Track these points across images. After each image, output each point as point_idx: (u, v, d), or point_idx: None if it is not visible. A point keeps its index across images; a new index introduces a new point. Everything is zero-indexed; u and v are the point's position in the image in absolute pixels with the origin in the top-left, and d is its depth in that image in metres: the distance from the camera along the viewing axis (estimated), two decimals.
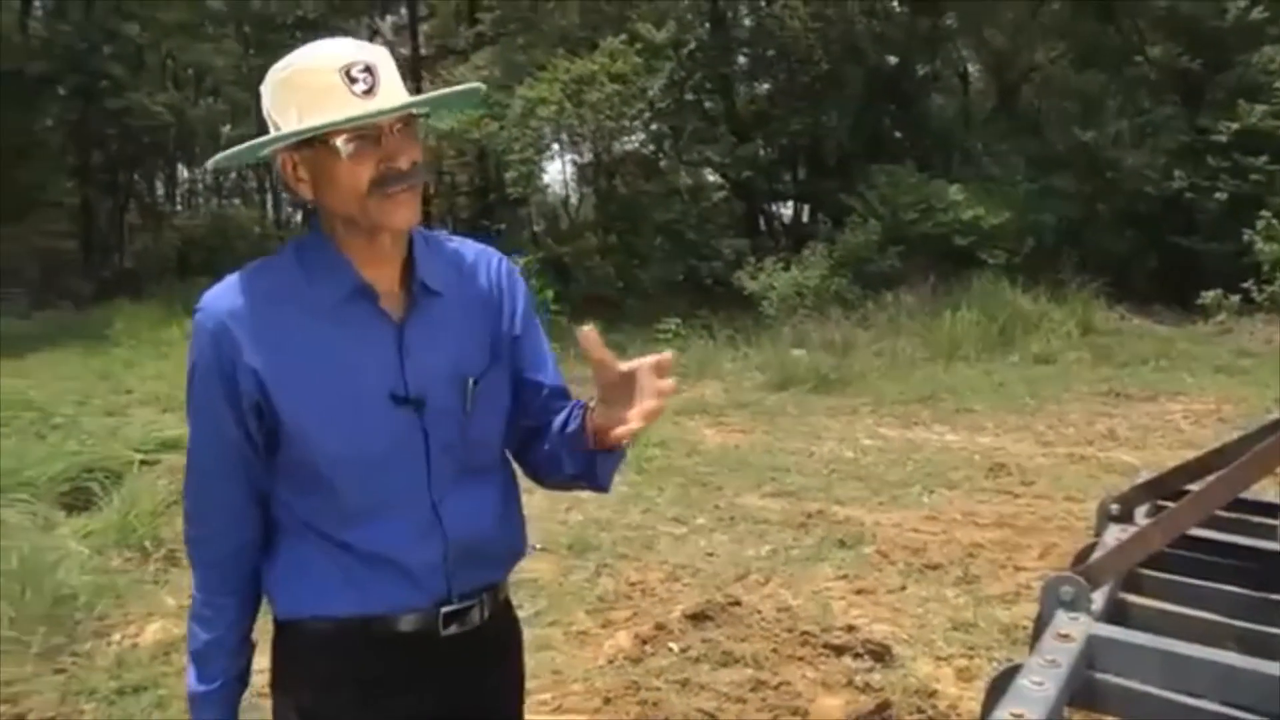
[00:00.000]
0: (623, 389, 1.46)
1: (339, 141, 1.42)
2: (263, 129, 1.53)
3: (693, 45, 16.15)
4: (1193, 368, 10.17)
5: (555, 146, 17.12)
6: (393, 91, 1.44)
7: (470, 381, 1.58)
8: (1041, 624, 1.73)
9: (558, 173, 21.45)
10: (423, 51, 21.72)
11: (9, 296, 19.88)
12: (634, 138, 16.47)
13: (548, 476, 1.69)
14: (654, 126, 16.12)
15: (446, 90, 1.58)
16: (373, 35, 20.79)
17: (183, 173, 32.28)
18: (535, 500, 5.80)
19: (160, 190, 31.47)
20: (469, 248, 1.70)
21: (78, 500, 5.71)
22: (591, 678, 3.75)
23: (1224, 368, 10.06)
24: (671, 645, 3.92)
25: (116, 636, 4.17)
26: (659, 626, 4.05)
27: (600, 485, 1.62)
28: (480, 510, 1.61)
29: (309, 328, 1.51)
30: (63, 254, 23.48)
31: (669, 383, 1.45)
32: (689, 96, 16.77)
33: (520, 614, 4.26)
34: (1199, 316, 12.77)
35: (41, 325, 17.09)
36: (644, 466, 6.74)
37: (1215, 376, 9.72)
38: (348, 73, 1.42)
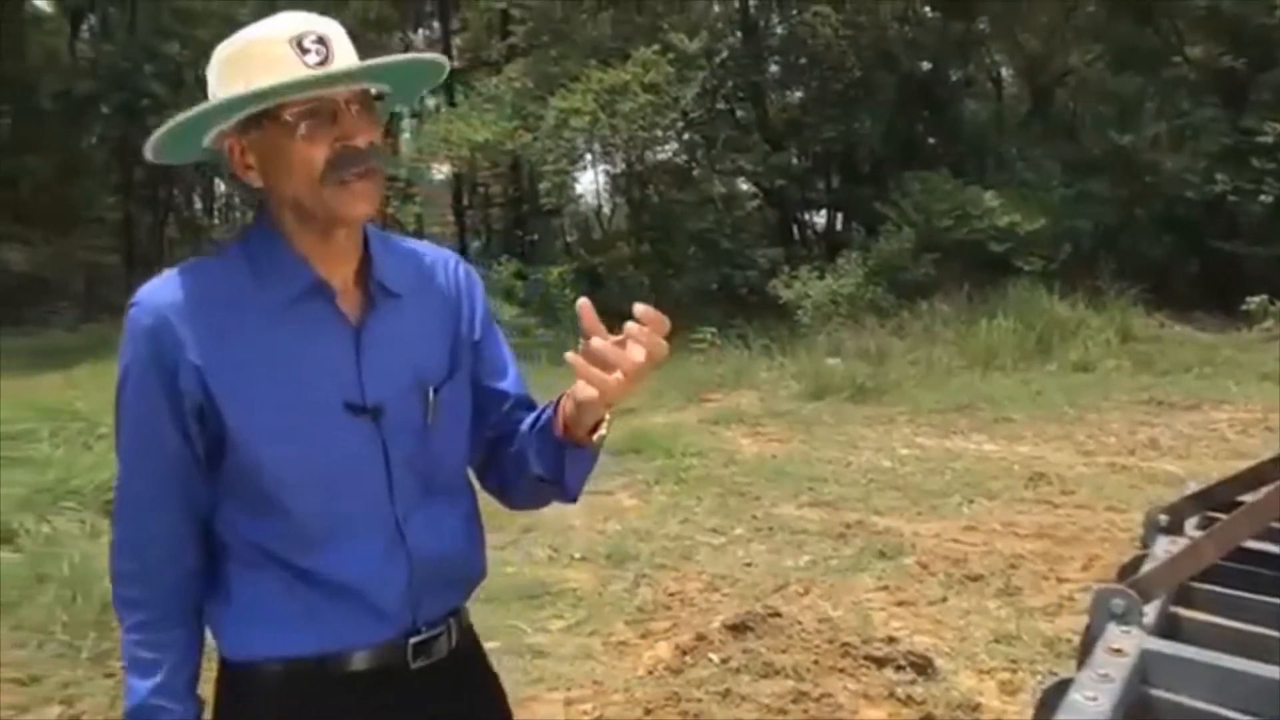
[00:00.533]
0: (609, 365, 1.28)
1: (290, 115, 1.29)
2: None
3: (725, 54, 16.14)
4: (1237, 375, 10.02)
5: (588, 157, 17.17)
6: (346, 60, 1.33)
7: (431, 390, 1.44)
8: (1091, 637, 1.71)
9: (590, 183, 21.52)
10: (456, 64, 21.88)
11: (56, 310, 20.25)
12: (667, 147, 16.48)
13: (513, 485, 1.54)
14: (686, 136, 16.12)
15: (402, 56, 1.43)
16: (406, 49, 20.93)
17: (219, 187, 32.68)
18: (574, 510, 5.84)
19: (198, 204, 31.92)
20: (426, 249, 1.56)
21: None
22: (632, 688, 3.75)
23: (1270, 375, 9.83)
24: (712, 656, 3.91)
25: None
26: (699, 637, 4.04)
27: (568, 491, 1.45)
28: (446, 529, 1.48)
29: (258, 326, 1.36)
30: (106, 268, 23.81)
31: (657, 338, 1.27)
32: (721, 105, 16.77)
33: (560, 624, 4.31)
34: (1243, 323, 12.57)
35: (86, 338, 17.30)
36: (681, 476, 6.74)
37: (1261, 384, 9.54)
38: (299, 43, 1.30)
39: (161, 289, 1.37)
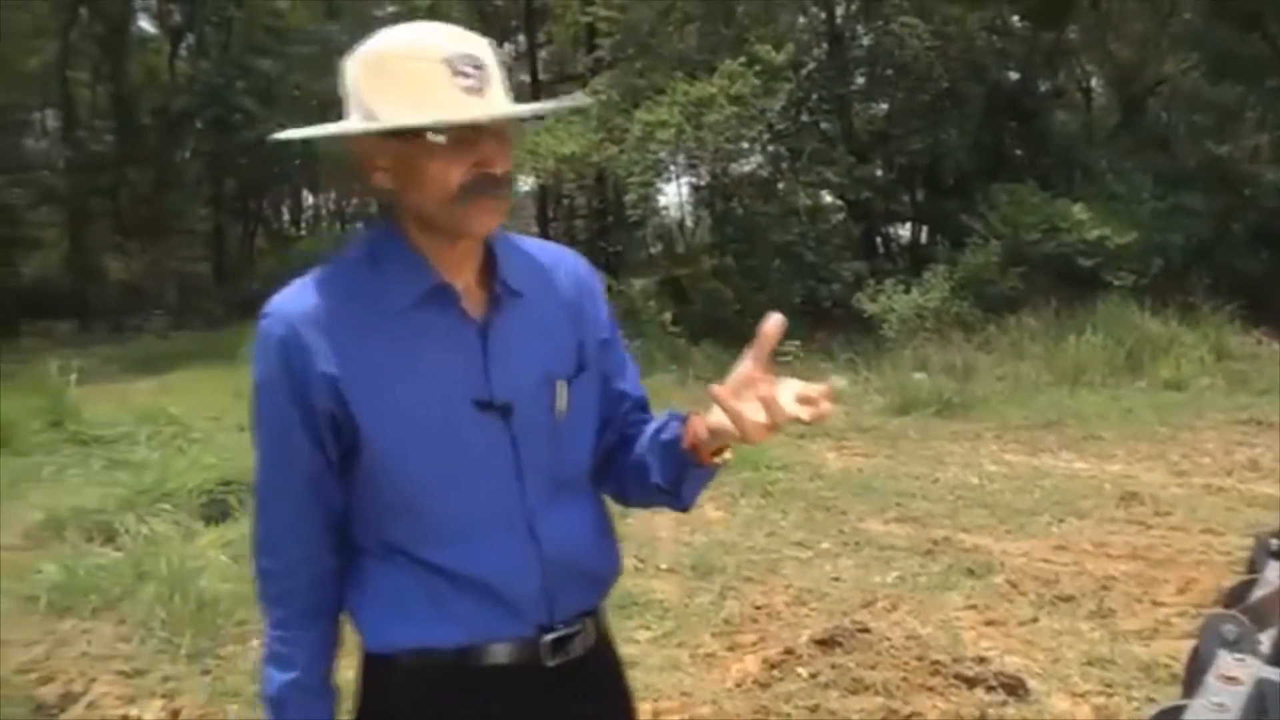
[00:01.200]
0: (753, 398, 1.31)
1: (438, 138, 1.31)
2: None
3: (811, 66, 16.06)
4: None
5: (672, 169, 17.19)
6: (500, 91, 1.34)
7: (559, 386, 1.46)
8: (1201, 664, 1.68)
9: (674, 195, 21.58)
10: (541, 77, 22.11)
11: (150, 317, 20.94)
12: (751, 159, 16.43)
13: (630, 489, 1.57)
14: (771, 148, 16.06)
15: (558, 103, 1.50)
16: None
17: (307, 198, 33.47)
18: (659, 521, 5.87)
19: (286, 216, 32.71)
20: (546, 248, 1.58)
21: (215, 511, 5.95)
22: (720, 700, 3.76)
23: None
24: (800, 670, 3.90)
25: (254, 643, 4.34)
26: (787, 651, 4.03)
27: (684, 503, 1.50)
28: (577, 526, 1.50)
29: (385, 330, 1.39)
30: (197, 277, 24.57)
31: (826, 406, 1.29)
32: (806, 117, 16.68)
33: (647, 634, 4.33)
34: None
35: (178, 344, 17.90)
36: (768, 490, 6.72)
37: None
38: (454, 66, 1.30)
39: (292, 299, 1.40)
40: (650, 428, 1.52)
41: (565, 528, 1.47)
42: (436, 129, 1.30)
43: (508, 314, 1.45)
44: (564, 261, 1.57)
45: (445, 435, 1.40)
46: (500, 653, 1.44)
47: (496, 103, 1.33)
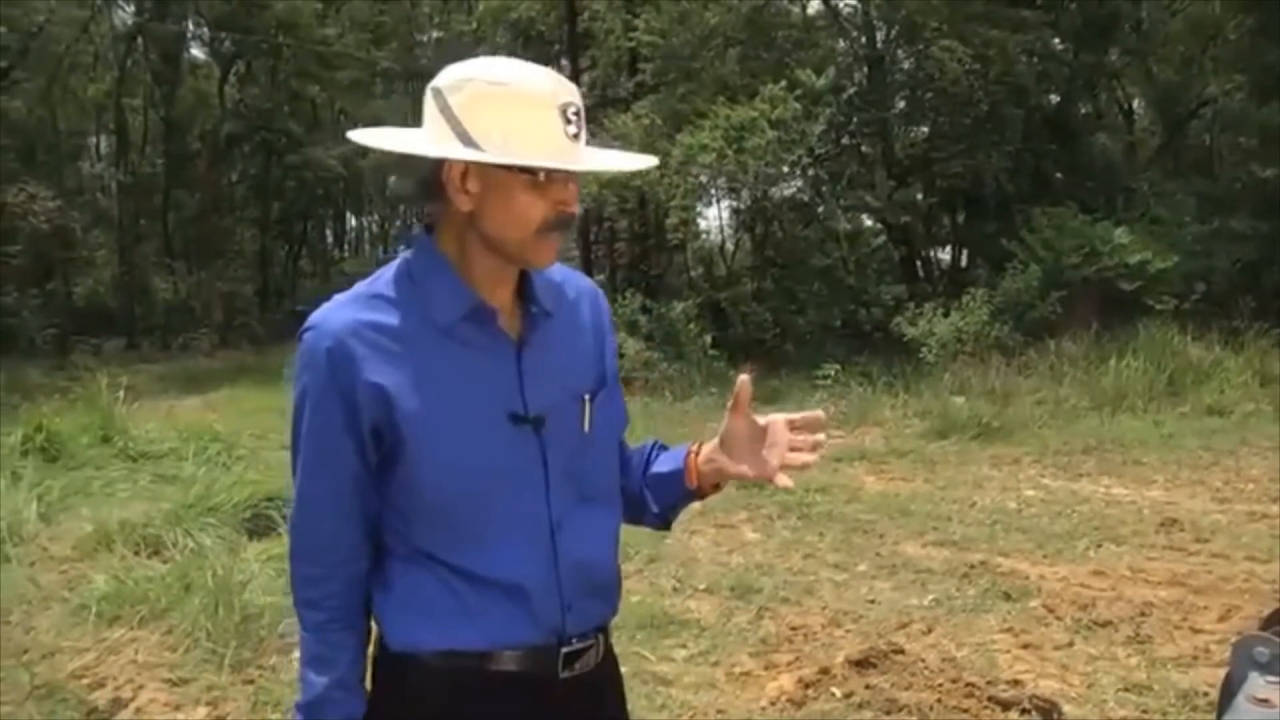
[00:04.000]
0: (752, 439, 1.54)
1: (537, 176, 1.41)
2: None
3: (851, 90, 16.10)
4: None
5: (713, 192, 17.25)
6: (586, 138, 1.45)
7: (588, 399, 1.55)
8: (1233, 686, 1.67)
9: (715, 218, 21.63)
10: (585, 102, 22.22)
11: (197, 337, 21.31)
12: (792, 183, 16.45)
13: (626, 516, 1.68)
14: (811, 172, 16.08)
15: (639, 162, 1.59)
16: None
17: (350, 221, 33.90)
18: (697, 542, 5.92)
19: (330, 238, 33.13)
20: (568, 274, 1.65)
21: (259, 526, 6.10)
22: (755, 718, 3.78)
23: None
24: (835, 690, 3.92)
25: (295, 655, 4.42)
26: (822, 671, 4.05)
27: (668, 524, 1.70)
28: (597, 537, 1.57)
29: (429, 343, 1.46)
30: (241, 299, 24.92)
31: (819, 437, 1.52)
32: (847, 141, 16.71)
33: (683, 652, 4.37)
34: None
35: (224, 363, 18.22)
36: (805, 512, 6.73)
37: None
38: (564, 112, 1.40)
39: (335, 313, 1.47)
40: (636, 460, 1.68)
41: (586, 540, 1.54)
42: (552, 170, 1.41)
43: (540, 332, 1.54)
44: (582, 286, 1.66)
45: (481, 445, 1.48)
46: (517, 659, 1.50)
47: (598, 153, 1.48)
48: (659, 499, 1.62)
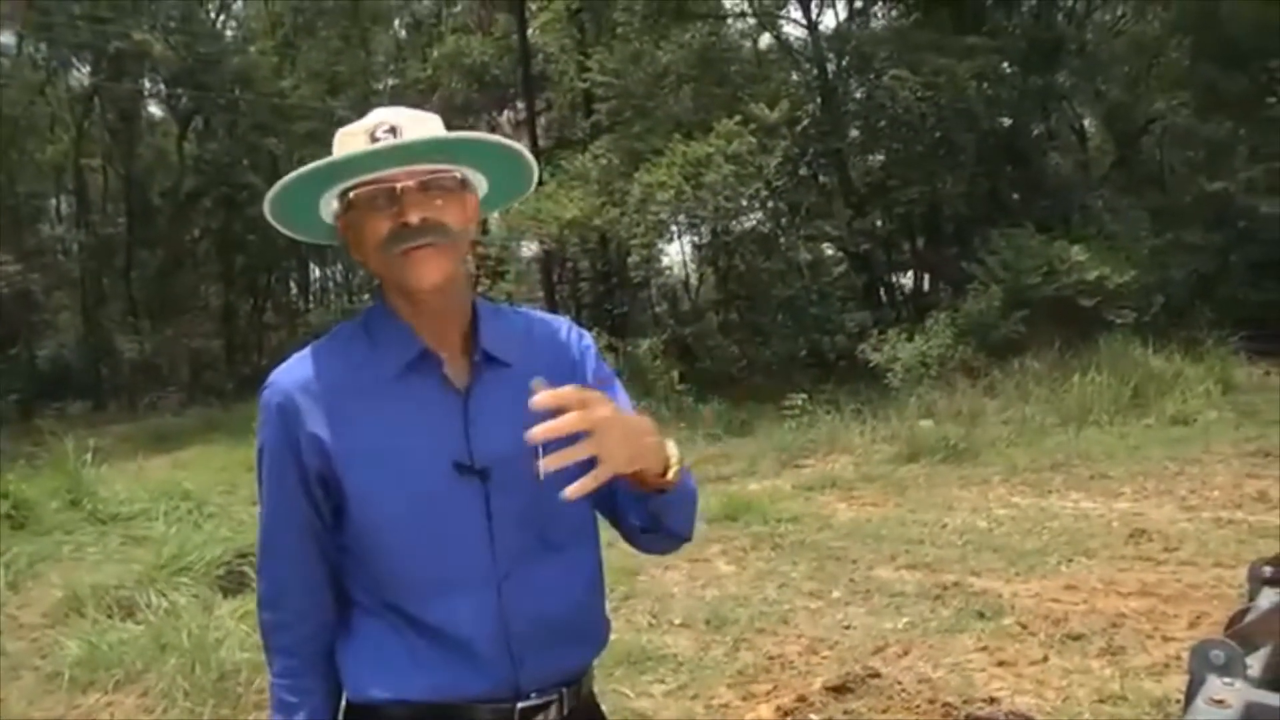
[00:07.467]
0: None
1: (355, 195, 1.45)
2: None
3: (805, 122, 16.30)
4: None
5: (674, 228, 17.38)
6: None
7: (540, 450, 1.41)
8: (1193, 690, 1.70)
9: (677, 254, 21.76)
10: (541, 143, 22.40)
11: (164, 395, 21.15)
12: (751, 216, 16.61)
13: (630, 538, 1.60)
14: (770, 204, 16.26)
15: (465, 135, 1.50)
16: (492, 129, 21.53)
17: (315, 272, 33.76)
18: (671, 577, 5.92)
19: (294, 289, 32.97)
20: (539, 318, 1.66)
21: (233, 583, 6.05)
22: None
23: None
24: (813, 717, 3.94)
25: None
26: (800, 699, 4.07)
27: (675, 534, 1.55)
28: (551, 589, 1.52)
29: (373, 395, 1.48)
30: (208, 354, 24.79)
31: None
32: (804, 172, 16.89)
33: (662, 688, 4.35)
34: None
35: (193, 420, 18.06)
36: (778, 542, 6.76)
37: None
38: (372, 133, 1.44)
39: (290, 370, 1.52)
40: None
41: (538, 589, 1.51)
42: (324, 170, 1.45)
43: (490, 382, 1.52)
44: (556, 329, 1.64)
45: (424, 495, 1.47)
46: (471, 713, 1.48)
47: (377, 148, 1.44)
48: (632, 511, 1.54)
